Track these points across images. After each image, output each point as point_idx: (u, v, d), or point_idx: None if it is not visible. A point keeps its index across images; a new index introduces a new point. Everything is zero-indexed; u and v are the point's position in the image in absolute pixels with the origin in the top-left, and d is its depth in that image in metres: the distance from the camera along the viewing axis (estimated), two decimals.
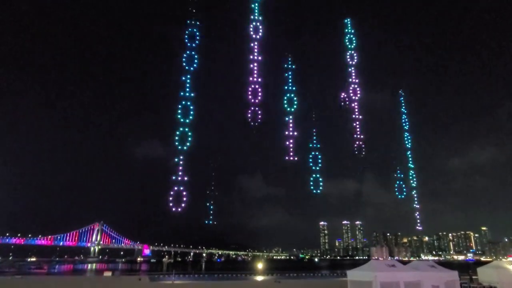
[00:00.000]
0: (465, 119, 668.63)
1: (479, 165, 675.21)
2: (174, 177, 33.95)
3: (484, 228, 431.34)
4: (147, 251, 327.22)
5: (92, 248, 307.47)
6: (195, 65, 38.34)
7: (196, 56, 38.59)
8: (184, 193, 34.16)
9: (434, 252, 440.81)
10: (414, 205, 53.03)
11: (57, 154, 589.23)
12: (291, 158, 41.28)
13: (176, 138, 34.89)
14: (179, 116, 35.90)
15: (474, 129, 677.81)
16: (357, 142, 47.96)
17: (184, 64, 37.74)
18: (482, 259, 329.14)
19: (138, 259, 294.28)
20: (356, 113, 48.47)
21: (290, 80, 43.71)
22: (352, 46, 51.36)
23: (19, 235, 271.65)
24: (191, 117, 36.31)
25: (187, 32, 39.09)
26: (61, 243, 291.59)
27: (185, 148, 34.89)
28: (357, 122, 47.80)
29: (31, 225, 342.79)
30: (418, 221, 52.99)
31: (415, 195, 52.85)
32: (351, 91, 49.03)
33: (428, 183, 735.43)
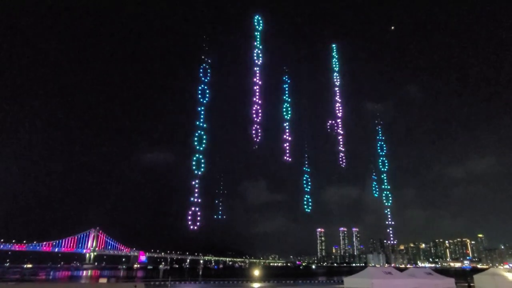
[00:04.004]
0: (465, 128, 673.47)
1: (477, 173, 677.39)
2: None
3: (480, 235, 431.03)
4: (143, 258, 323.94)
5: (87, 255, 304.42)
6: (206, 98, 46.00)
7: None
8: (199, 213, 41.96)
9: (431, 259, 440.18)
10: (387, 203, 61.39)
11: (54, 159, 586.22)
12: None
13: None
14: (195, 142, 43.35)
15: (474, 138, 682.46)
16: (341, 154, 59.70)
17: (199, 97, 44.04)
18: (479, 266, 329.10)
19: (134, 265, 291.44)
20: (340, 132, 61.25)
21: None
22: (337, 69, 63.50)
23: (13, 241, 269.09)
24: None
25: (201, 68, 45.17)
26: (56, 249, 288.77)
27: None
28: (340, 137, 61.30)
29: (26, 231, 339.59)
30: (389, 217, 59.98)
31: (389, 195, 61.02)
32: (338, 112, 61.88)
33: (425, 191, 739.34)
